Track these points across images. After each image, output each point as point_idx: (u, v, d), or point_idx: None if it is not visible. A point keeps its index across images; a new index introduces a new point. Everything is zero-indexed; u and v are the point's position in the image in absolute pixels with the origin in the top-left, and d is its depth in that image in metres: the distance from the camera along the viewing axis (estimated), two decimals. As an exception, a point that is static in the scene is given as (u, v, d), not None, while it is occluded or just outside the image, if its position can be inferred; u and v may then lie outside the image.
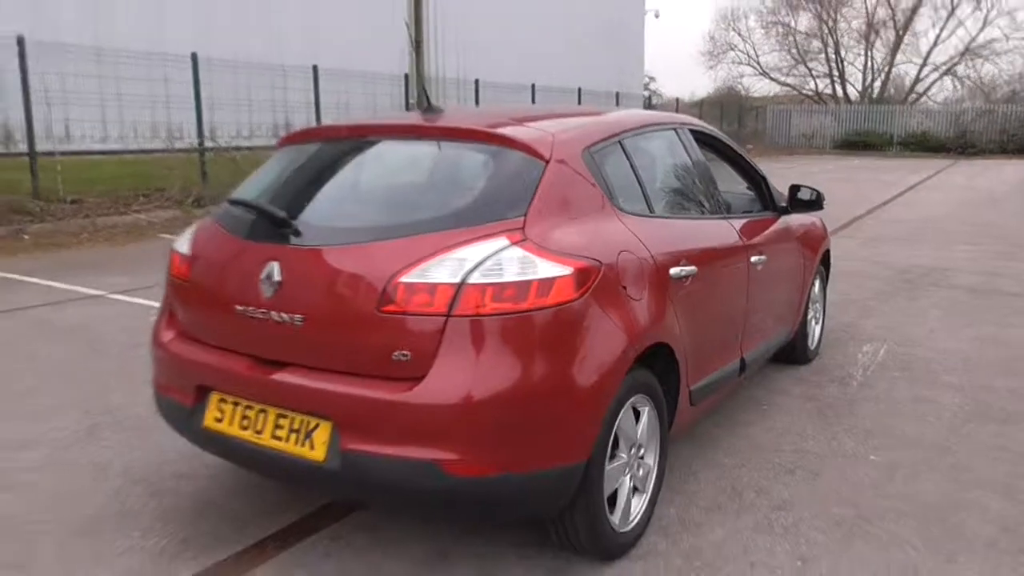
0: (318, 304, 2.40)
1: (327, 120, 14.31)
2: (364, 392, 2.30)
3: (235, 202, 2.75)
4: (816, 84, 44.25)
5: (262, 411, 2.50)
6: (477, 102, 17.87)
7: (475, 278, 2.25)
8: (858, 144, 34.44)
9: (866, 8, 41.89)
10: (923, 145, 33.20)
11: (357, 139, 2.92)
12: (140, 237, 9.76)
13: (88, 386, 4.39)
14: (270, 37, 16.72)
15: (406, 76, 16.98)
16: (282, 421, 2.45)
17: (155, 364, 2.89)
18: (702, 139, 3.73)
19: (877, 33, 41.92)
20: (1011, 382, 4.52)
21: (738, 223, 3.63)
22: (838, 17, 42.40)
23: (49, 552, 2.75)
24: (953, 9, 40.40)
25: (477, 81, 17.68)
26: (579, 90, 21.89)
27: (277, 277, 2.45)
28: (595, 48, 26.76)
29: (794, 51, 43.52)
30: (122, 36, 13.81)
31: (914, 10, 41.14)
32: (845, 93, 43.38)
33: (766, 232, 3.92)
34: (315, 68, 13.78)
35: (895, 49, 42.11)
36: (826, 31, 42.67)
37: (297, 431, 2.42)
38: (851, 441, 3.70)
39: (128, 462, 3.46)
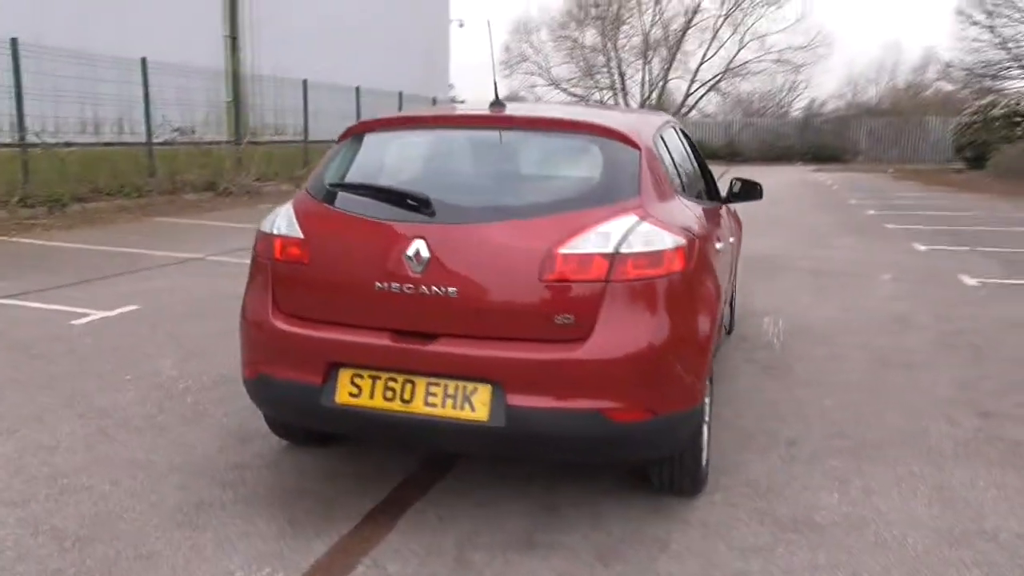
0: (475, 276, 2.60)
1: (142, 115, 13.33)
2: (530, 354, 2.54)
3: (359, 186, 2.86)
4: (601, 95, 47.41)
5: (408, 381, 2.64)
6: (305, 103, 17.50)
7: (624, 248, 2.58)
8: (643, 151, 37.40)
9: (642, 28, 45.60)
10: (698, 153, 36.77)
11: (448, 128, 3.12)
12: (-30, 242, 8.72)
13: (58, 391, 4.09)
14: (72, 20, 15.20)
15: (234, 74, 16.27)
16: (434, 388, 2.62)
17: (259, 349, 2.89)
18: (682, 134, 4.27)
19: (654, 50, 45.77)
20: (888, 340, 5.49)
21: (717, 207, 4.20)
22: (619, 35, 45.77)
23: (167, 545, 2.69)
24: (716, 32, 45.06)
25: (305, 82, 17.31)
26: (400, 94, 22.04)
27: (425, 253, 2.61)
28: (405, 53, 26.90)
29: (582, 64, 46.36)
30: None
31: (683, 32, 45.38)
32: (627, 104, 46.87)
33: (726, 216, 4.53)
34: (144, 61, 12.87)
35: (668, 66, 46.20)
36: (609, 47, 45.90)
37: (453, 396, 2.60)
38: (805, 391, 4.39)
39: (168, 459, 3.36)
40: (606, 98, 47.46)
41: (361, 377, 2.69)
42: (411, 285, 2.63)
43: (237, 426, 3.73)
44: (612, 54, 46.26)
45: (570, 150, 3.00)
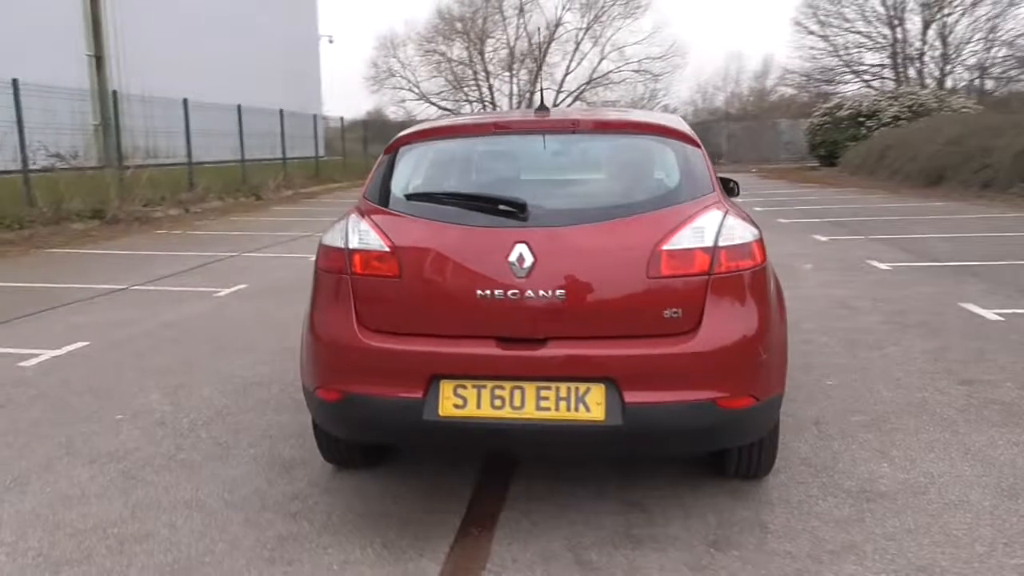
0: (582, 278, 2.61)
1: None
2: (644, 350, 2.58)
3: (445, 195, 2.81)
4: (471, 108, 47.80)
5: (517, 387, 2.61)
6: (187, 124, 16.67)
7: (721, 242, 2.67)
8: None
9: (508, 41, 46.46)
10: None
11: (510, 134, 3.11)
12: None
13: (52, 437, 3.75)
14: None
15: (114, 94, 15.27)
16: (545, 393, 2.60)
17: (344, 370, 2.75)
18: None
19: (520, 63, 46.70)
20: (845, 324, 5.86)
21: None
22: (485, 48, 46.39)
23: (276, 580, 2.53)
24: (577, 45, 46.54)
25: (186, 101, 16.49)
26: (281, 112, 21.37)
27: (529, 258, 2.60)
28: (277, 70, 26.15)
29: (450, 77, 46.62)
30: None
31: (548, 44, 46.56)
32: (497, 116, 47.47)
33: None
34: (15, 82, 11.86)
35: (535, 78, 47.23)
36: (476, 60, 46.43)
37: (566, 398, 2.59)
38: (803, 375, 4.64)
39: (217, 496, 3.15)
40: (476, 110, 47.89)
41: (465, 388, 2.63)
42: (516, 291, 2.60)
43: (270, 456, 3.54)
44: (480, 67, 46.84)
45: (643, 151, 3.06)
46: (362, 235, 2.81)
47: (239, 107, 18.83)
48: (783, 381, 2.88)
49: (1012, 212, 12.93)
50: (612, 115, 3.28)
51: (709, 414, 2.60)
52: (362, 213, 2.92)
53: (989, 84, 38.13)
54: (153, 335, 5.75)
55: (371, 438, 2.98)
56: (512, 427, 2.61)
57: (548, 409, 2.59)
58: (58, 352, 5.21)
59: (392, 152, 3.13)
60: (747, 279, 2.72)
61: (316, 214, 15.43)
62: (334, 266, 2.84)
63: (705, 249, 2.65)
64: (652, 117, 3.23)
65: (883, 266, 8.25)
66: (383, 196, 2.97)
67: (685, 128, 3.09)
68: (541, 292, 2.60)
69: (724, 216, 2.76)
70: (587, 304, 2.62)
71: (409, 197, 2.89)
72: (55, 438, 3.76)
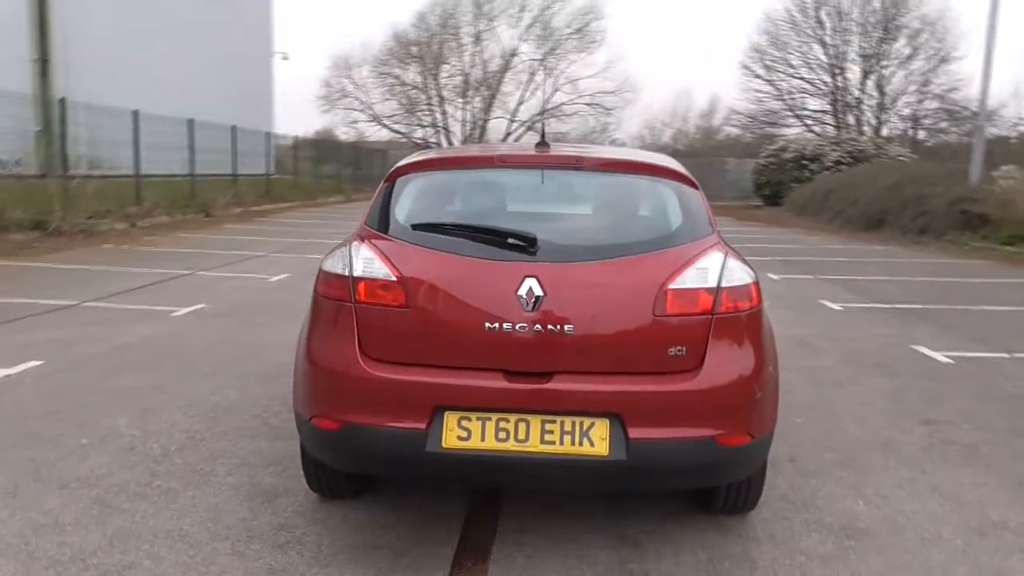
0: (589, 314, 2.65)
1: None
2: (649, 387, 2.63)
3: (455, 226, 2.82)
4: (424, 132, 47.95)
5: (522, 421, 2.63)
6: (136, 134, 16.28)
7: (724, 283, 2.75)
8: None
9: (463, 68, 46.84)
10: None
11: (514, 168, 3.15)
12: None
13: (13, 462, 3.60)
14: None
15: (62, 101, 14.84)
16: (550, 427, 2.62)
17: (346, 399, 2.71)
18: None
19: (475, 90, 47.06)
20: (807, 362, 6.00)
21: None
22: (440, 73, 46.66)
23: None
24: (532, 75, 47.16)
25: (136, 112, 16.12)
26: (234, 128, 21.05)
27: (538, 292, 2.63)
28: (229, 84, 25.81)
29: (404, 101, 46.70)
30: None
31: (502, 74, 47.11)
32: (449, 141, 47.71)
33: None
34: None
35: (489, 105, 47.68)
36: (431, 85, 46.65)
37: (570, 433, 2.61)
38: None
39: (200, 526, 3.07)
40: (429, 136, 48.03)
41: (469, 420, 2.63)
42: (524, 324, 2.63)
43: (250, 484, 3.46)
44: (434, 92, 47.04)
45: (646, 190, 3.14)
46: (366, 263, 2.79)
47: (191, 121, 18.44)
48: (775, 418, 2.96)
49: (947, 259, 13.52)
50: (615, 154, 3.35)
51: (709, 451, 2.66)
52: (364, 240, 2.91)
53: (921, 134, 40.05)
54: (111, 355, 5.57)
55: (369, 469, 2.94)
56: (515, 461, 2.62)
57: (552, 443, 2.61)
58: (10, 371, 5.00)
59: (391, 181, 3.14)
60: (745, 320, 2.80)
61: (270, 233, 15.21)
62: (336, 293, 2.82)
63: (709, 290, 2.72)
64: (655, 158, 3.31)
65: (835, 306, 8.51)
66: (384, 224, 2.97)
67: (684, 170, 3.18)
68: (549, 326, 2.63)
69: (725, 258, 2.84)
70: (594, 340, 2.65)
71: (415, 227, 2.90)
72: (18, 463, 3.60)
